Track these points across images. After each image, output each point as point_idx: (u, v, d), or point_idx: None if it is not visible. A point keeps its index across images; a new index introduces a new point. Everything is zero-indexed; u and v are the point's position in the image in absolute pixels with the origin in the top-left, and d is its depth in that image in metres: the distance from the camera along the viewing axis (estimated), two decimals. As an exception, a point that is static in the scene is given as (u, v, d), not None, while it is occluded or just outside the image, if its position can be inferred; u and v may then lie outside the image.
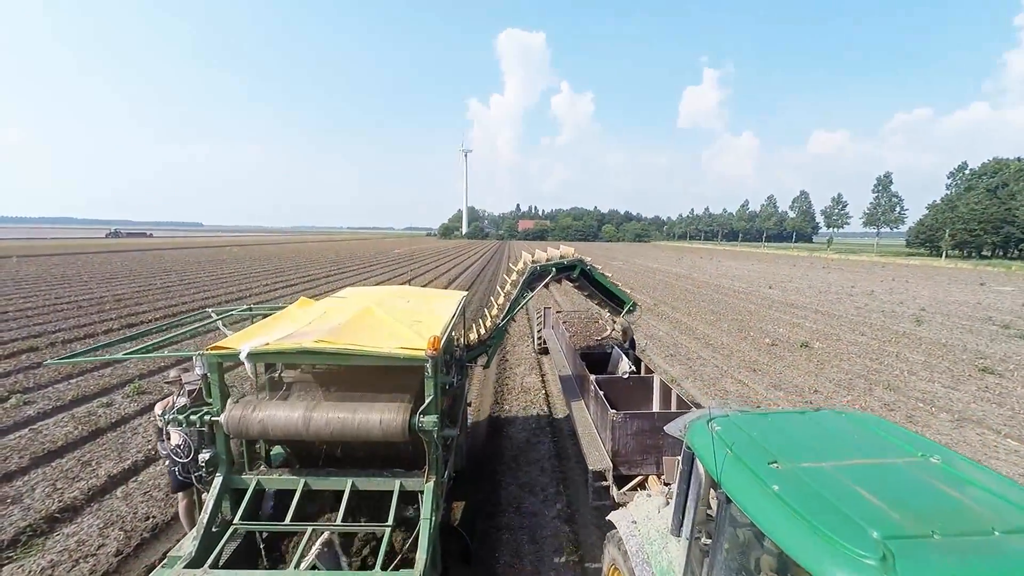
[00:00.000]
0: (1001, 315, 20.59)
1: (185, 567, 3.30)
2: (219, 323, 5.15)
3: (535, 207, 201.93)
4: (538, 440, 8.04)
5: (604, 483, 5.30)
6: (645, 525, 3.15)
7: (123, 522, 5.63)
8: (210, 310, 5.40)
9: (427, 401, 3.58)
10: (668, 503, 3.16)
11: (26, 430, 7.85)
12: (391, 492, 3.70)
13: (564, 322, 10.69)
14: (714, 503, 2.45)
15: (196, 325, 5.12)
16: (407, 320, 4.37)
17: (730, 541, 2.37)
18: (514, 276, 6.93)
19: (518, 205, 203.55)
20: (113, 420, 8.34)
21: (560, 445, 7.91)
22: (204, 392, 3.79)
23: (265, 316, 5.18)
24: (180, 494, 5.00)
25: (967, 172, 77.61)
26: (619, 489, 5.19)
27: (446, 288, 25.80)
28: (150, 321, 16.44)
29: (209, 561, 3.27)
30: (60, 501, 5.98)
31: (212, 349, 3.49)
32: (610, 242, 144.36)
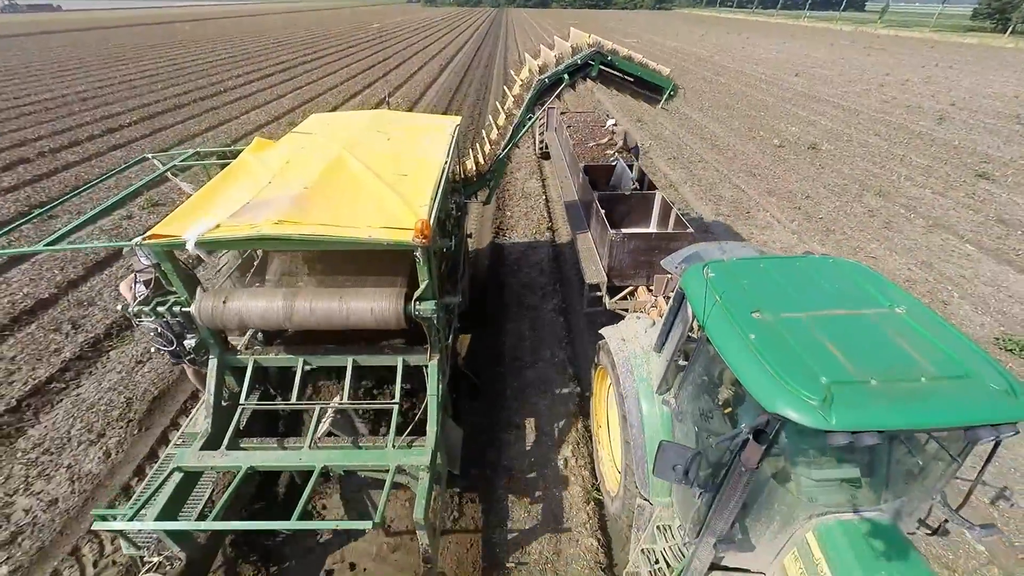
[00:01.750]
0: (1032, 110, 19.29)
1: (202, 447, 3.25)
2: (168, 173, 4.33)
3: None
4: (538, 244, 8.81)
5: (598, 293, 5.86)
6: (632, 342, 3.75)
7: (190, 318, 6.70)
8: (151, 156, 4.64)
9: (422, 287, 3.21)
10: (654, 324, 3.76)
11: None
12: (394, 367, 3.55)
13: (568, 126, 10.22)
14: (696, 330, 2.77)
15: (140, 183, 4.12)
16: (389, 173, 3.71)
17: (702, 367, 2.77)
18: (516, 90, 5.91)
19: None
20: (139, 230, 8.88)
21: (558, 249, 8.72)
22: (163, 281, 3.33)
23: (220, 161, 4.53)
24: (183, 364, 4.32)
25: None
26: (611, 298, 5.82)
27: (436, 79, 23.29)
28: (128, 125, 15.54)
29: (225, 442, 3.25)
30: (129, 302, 6.98)
31: (151, 238, 2.90)
32: (625, 9, 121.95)
